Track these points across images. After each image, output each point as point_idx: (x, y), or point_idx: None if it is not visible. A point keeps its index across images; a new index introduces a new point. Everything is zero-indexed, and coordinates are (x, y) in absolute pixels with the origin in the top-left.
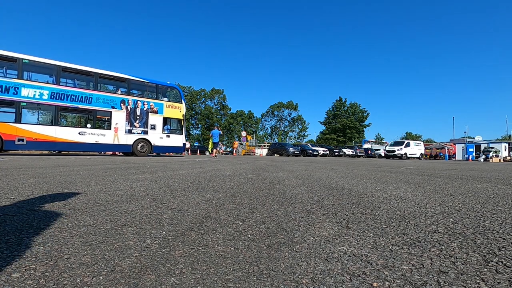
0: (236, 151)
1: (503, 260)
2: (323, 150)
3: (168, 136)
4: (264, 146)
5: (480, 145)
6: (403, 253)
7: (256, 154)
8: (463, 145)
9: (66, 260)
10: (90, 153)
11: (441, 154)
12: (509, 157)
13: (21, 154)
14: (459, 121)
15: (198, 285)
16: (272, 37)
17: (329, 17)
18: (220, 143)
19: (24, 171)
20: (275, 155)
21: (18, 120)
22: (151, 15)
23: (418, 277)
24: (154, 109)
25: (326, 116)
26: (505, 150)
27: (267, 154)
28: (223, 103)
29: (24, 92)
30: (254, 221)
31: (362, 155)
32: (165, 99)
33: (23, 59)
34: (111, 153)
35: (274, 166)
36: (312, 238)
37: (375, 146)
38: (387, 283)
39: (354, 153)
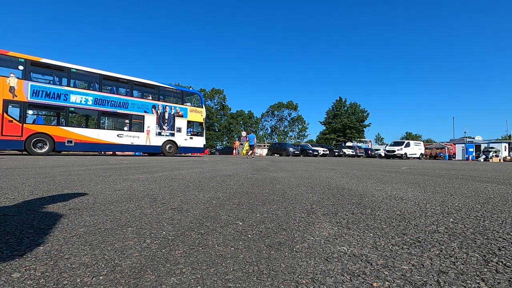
0: (237, 151)
1: (503, 260)
2: (323, 150)
3: (191, 138)
4: (264, 146)
5: (480, 145)
6: (403, 253)
7: (256, 154)
8: (463, 145)
9: (66, 260)
10: (90, 153)
11: (441, 154)
12: (509, 157)
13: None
14: (459, 121)
15: (198, 285)
16: (272, 37)
17: (329, 17)
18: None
19: (24, 171)
20: (275, 155)
21: (67, 123)
22: (151, 15)
23: (418, 277)
24: (180, 113)
25: (326, 116)
26: (505, 150)
27: (267, 154)
28: (223, 103)
29: (73, 98)
30: (254, 221)
31: (362, 155)
32: (188, 104)
33: (71, 68)
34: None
35: (274, 166)
36: (312, 238)
37: (358, 145)
38: (387, 283)
39: (354, 153)
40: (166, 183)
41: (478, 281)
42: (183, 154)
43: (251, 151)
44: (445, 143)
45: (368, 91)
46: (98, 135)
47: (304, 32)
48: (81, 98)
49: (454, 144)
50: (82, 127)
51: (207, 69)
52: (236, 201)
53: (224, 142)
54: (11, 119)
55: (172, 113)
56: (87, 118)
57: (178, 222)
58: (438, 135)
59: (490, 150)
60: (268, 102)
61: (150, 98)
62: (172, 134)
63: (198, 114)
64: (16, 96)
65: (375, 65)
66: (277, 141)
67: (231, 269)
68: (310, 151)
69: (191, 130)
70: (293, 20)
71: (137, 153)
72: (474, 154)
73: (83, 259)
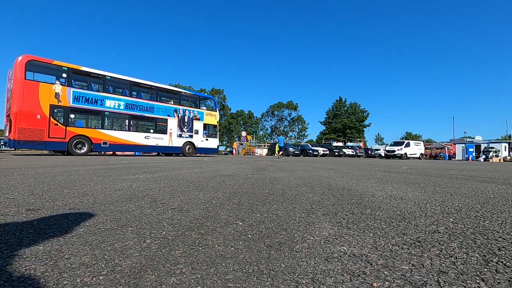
0: (236, 151)
1: (503, 260)
2: (323, 150)
3: (207, 139)
4: (264, 146)
5: (480, 145)
6: (403, 253)
7: (256, 154)
8: (463, 145)
9: (66, 260)
10: (86, 154)
11: (441, 154)
12: (509, 157)
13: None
14: (459, 121)
15: (198, 285)
16: (272, 37)
17: (330, 17)
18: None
19: (24, 171)
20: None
21: (102, 126)
22: (151, 15)
23: (418, 277)
24: (197, 116)
25: (326, 116)
26: (505, 150)
27: (267, 154)
28: (223, 103)
29: (107, 103)
30: (254, 221)
31: (362, 155)
32: (204, 108)
33: (106, 75)
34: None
35: (274, 166)
36: (312, 238)
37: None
38: (387, 283)
39: (354, 153)
40: (166, 183)
41: (478, 281)
42: (198, 154)
43: (281, 152)
44: (445, 143)
45: (368, 91)
46: (128, 137)
47: (305, 32)
48: (115, 103)
49: (454, 144)
50: (115, 130)
51: (207, 69)
52: (236, 201)
53: (224, 142)
54: (56, 122)
55: (190, 116)
56: (119, 121)
57: (178, 222)
58: (438, 135)
59: (490, 150)
60: (268, 102)
61: (172, 102)
62: (191, 136)
63: (213, 117)
64: (61, 102)
65: (375, 65)
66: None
67: (231, 269)
68: (310, 151)
69: (207, 132)
70: (294, 20)
71: (159, 153)
72: (474, 154)
73: (83, 259)
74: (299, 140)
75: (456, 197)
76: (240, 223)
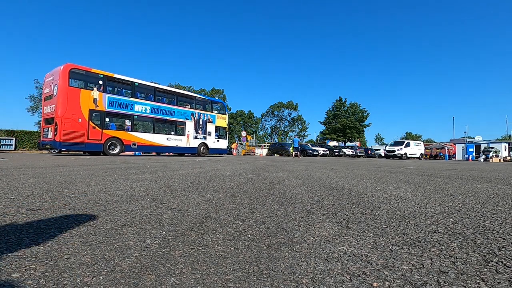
0: (236, 151)
1: (503, 260)
2: (323, 150)
3: (218, 141)
4: (264, 146)
5: (480, 145)
6: (403, 253)
7: (256, 154)
8: (463, 145)
9: (66, 260)
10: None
11: (441, 154)
12: (509, 157)
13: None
14: (459, 121)
15: (198, 285)
16: (272, 37)
17: (330, 17)
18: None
19: (24, 171)
20: (275, 155)
21: (132, 129)
22: (151, 14)
23: (418, 277)
24: (210, 119)
25: (326, 116)
26: (505, 150)
27: (267, 154)
28: (223, 103)
29: (136, 107)
30: (254, 221)
31: (362, 155)
32: (216, 111)
33: (134, 82)
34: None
35: (274, 166)
36: (312, 238)
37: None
38: (387, 283)
39: (354, 153)
40: (166, 183)
41: (478, 281)
42: (210, 154)
43: (295, 153)
44: (445, 143)
45: (368, 91)
46: (153, 139)
47: (305, 32)
48: (142, 107)
49: (454, 144)
50: (142, 132)
51: (207, 69)
52: (236, 201)
53: None
54: (94, 125)
55: (204, 119)
56: (146, 124)
57: (178, 222)
58: (438, 135)
59: (490, 150)
60: (268, 102)
61: (189, 107)
62: (205, 138)
63: (223, 120)
64: (98, 106)
65: (376, 65)
66: (277, 141)
67: (231, 269)
68: (310, 151)
69: (218, 133)
70: (294, 20)
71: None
72: (474, 154)
73: (83, 259)
74: (299, 140)
75: (456, 197)
76: (240, 223)
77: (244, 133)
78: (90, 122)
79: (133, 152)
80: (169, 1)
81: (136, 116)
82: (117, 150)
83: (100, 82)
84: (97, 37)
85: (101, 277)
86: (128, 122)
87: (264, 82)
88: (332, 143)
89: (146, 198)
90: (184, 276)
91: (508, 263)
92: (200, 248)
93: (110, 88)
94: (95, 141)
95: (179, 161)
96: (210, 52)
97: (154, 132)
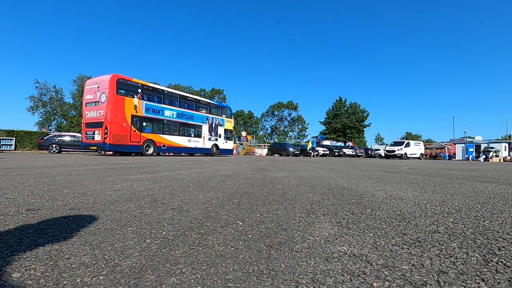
0: (236, 151)
1: (503, 260)
2: (323, 150)
3: (226, 142)
4: (264, 146)
5: (480, 145)
6: (403, 253)
7: (256, 154)
8: (463, 145)
9: (66, 260)
10: (90, 152)
11: (441, 154)
12: (509, 157)
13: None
14: (459, 121)
15: (198, 285)
16: (273, 37)
17: (330, 17)
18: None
19: (24, 171)
20: (275, 155)
21: (163, 132)
22: (151, 14)
23: (418, 277)
24: (220, 123)
25: (326, 116)
26: (505, 150)
27: (267, 154)
28: (223, 103)
29: (166, 113)
30: (254, 221)
31: (362, 155)
32: (224, 115)
33: (164, 90)
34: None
35: (274, 166)
36: (312, 238)
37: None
38: (387, 283)
39: (354, 153)
40: (166, 183)
41: (478, 281)
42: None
43: (312, 153)
44: (445, 143)
45: (368, 91)
46: (178, 141)
47: (305, 32)
48: (171, 112)
49: (454, 144)
50: (170, 135)
51: (207, 69)
52: (236, 201)
53: None
54: (135, 129)
55: (216, 123)
56: (172, 128)
57: (178, 222)
58: (438, 135)
59: (490, 150)
60: (268, 102)
61: (204, 111)
62: (216, 139)
63: (230, 123)
64: (137, 112)
65: (376, 65)
66: (277, 141)
67: (231, 269)
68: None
69: (226, 136)
70: (294, 20)
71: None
72: (474, 154)
73: (83, 259)
74: (299, 140)
75: (456, 197)
76: (240, 223)
77: (244, 133)
78: (132, 126)
79: (168, 153)
80: (169, 1)
81: (165, 121)
82: (151, 150)
83: (139, 90)
84: (97, 37)
85: (101, 277)
86: (159, 126)
87: (264, 82)
88: (326, 142)
89: (146, 198)
90: (184, 276)
91: (508, 263)
92: (200, 248)
93: (146, 96)
94: (136, 143)
95: (179, 161)
96: (210, 52)
97: (179, 135)
